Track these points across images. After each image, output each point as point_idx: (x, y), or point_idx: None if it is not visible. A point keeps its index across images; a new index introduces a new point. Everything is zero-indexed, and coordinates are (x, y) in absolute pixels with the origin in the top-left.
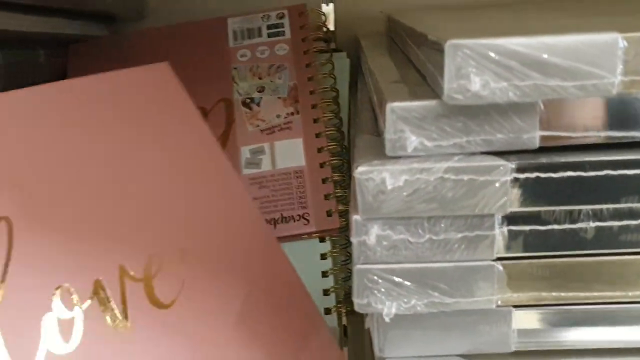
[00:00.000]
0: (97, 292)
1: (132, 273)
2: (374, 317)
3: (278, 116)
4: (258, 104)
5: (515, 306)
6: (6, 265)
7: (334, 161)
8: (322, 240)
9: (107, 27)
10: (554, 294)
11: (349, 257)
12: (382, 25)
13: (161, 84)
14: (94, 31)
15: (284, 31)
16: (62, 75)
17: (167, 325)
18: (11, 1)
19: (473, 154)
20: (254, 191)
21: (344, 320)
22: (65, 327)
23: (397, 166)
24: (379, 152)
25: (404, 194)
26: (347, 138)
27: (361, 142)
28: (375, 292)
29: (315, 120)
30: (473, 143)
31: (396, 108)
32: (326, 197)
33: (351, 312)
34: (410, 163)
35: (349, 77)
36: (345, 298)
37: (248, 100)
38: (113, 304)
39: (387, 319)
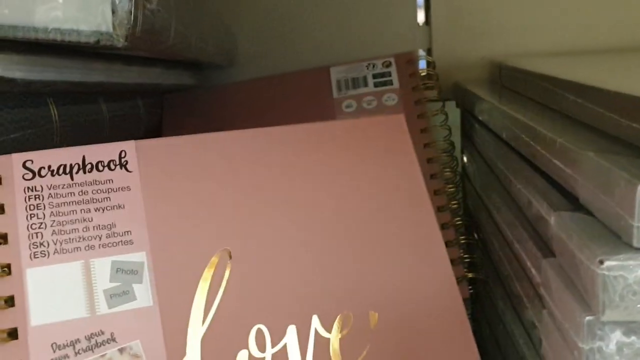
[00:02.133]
0: (291, 338)
1: (323, 326)
2: None
3: None
4: None
5: None
6: (217, 300)
7: (455, 223)
8: None
9: (197, 76)
10: None
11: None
12: (480, 72)
13: (393, 134)
14: (185, 80)
15: (391, 80)
16: (159, 125)
17: None
18: (120, 54)
19: None
20: None
21: None
22: None
23: None
24: (611, 240)
25: None
26: (463, 194)
27: (568, 221)
28: None
29: (431, 176)
30: None
31: None
32: (452, 262)
33: None
34: None
35: (460, 128)
36: None
37: None
38: (299, 354)
39: None
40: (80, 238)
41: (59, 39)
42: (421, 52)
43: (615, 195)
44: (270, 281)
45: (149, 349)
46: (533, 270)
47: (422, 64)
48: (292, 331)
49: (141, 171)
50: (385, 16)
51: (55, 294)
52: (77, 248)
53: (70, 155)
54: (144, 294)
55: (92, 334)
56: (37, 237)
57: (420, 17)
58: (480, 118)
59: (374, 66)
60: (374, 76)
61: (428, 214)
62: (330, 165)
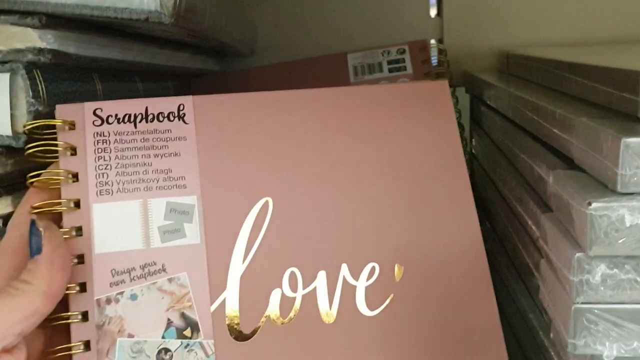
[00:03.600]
0: (320, 281)
1: (351, 274)
2: None
3: None
4: None
5: None
6: (257, 243)
7: None
8: None
9: (219, 62)
10: None
11: None
12: (489, 62)
13: (437, 99)
14: (210, 66)
15: (405, 66)
16: None
17: (365, 329)
18: (154, 36)
19: None
20: None
21: None
22: (286, 304)
23: (635, 202)
24: (598, 188)
25: None
26: (471, 173)
27: (563, 177)
28: (595, 333)
29: None
30: None
31: (632, 144)
32: None
33: None
34: None
35: (469, 113)
36: None
37: None
38: (328, 298)
39: None
40: (140, 180)
41: (113, 16)
42: (433, 42)
43: (603, 150)
44: (307, 229)
45: (194, 281)
46: (533, 227)
47: (435, 53)
48: (322, 276)
49: (197, 123)
50: (400, 8)
51: (116, 227)
52: (137, 188)
53: (135, 106)
54: (193, 233)
55: (145, 264)
56: (103, 177)
57: (433, 9)
58: (488, 102)
59: (388, 53)
60: (389, 62)
61: (463, 178)
62: (376, 125)
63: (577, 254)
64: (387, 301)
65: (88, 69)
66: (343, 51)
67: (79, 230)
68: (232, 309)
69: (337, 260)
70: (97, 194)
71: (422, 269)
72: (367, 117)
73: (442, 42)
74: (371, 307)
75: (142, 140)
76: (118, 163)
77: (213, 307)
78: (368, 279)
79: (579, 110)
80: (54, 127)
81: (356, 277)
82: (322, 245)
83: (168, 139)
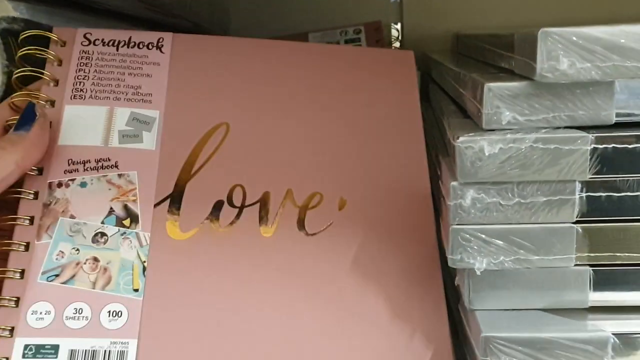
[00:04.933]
0: (264, 200)
1: (295, 198)
2: (465, 273)
3: None
4: None
5: (591, 265)
6: (208, 158)
7: None
8: None
9: None
10: (627, 254)
11: None
12: (446, 44)
13: (402, 66)
14: None
15: (360, 45)
16: None
17: (302, 247)
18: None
19: (558, 127)
20: None
21: None
22: (227, 214)
23: (494, 136)
24: (473, 128)
25: (498, 160)
26: None
27: (453, 123)
28: (468, 249)
29: None
30: (558, 118)
31: (493, 87)
32: None
33: None
34: (504, 134)
35: (419, 89)
36: None
37: None
38: (269, 215)
39: (478, 273)
40: (111, 91)
41: None
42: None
43: (477, 95)
44: (258, 153)
45: (143, 179)
46: (439, 172)
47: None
48: (265, 195)
49: (172, 54)
50: None
51: (81, 126)
52: (107, 97)
53: (120, 34)
54: (150, 140)
55: (101, 159)
56: (79, 85)
57: None
58: (433, 78)
59: (346, 33)
60: (346, 41)
61: (418, 136)
62: (342, 80)
63: (452, 182)
64: (326, 226)
65: None
66: (305, 31)
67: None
68: (174, 209)
69: (283, 183)
70: (71, 97)
71: (366, 204)
72: (335, 71)
73: (403, 26)
74: (309, 230)
75: (120, 61)
76: (95, 76)
77: (156, 206)
78: (310, 204)
79: (483, 73)
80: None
81: (299, 201)
82: (271, 169)
83: (143, 62)
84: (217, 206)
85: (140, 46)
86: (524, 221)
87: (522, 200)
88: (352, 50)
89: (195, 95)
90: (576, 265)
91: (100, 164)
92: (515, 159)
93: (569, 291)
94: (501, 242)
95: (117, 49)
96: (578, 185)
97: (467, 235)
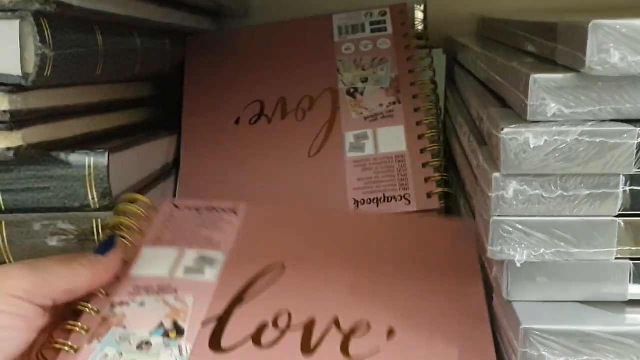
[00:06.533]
0: (308, 325)
1: (341, 325)
2: (505, 264)
3: (380, 105)
4: (362, 94)
5: (632, 259)
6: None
7: (434, 148)
8: None
9: (215, 22)
10: None
11: None
12: (470, 27)
13: (460, 236)
14: (205, 25)
15: (386, 27)
16: (181, 61)
17: None
18: None
19: (604, 120)
20: (358, 173)
21: None
22: (270, 335)
23: (539, 128)
24: (516, 119)
25: (543, 153)
26: (443, 127)
27: (493, 113)
28: (509, 241)
29: (415, 110)
30: (604, 111)
31: (539, 79)
32: (426, 180)
33: None
34: (550, 126)
35: (445, 72)
36: None
37: (352, 90)
38: (311, 338)
39: (518, 265)
40: (186, 240)
41: None
42: (417, 7)
43: (520, 87)
44: (309, 290)
45: (197, 304)
46: (473, 160)
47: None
48: (311, 320)
49: (245, 217)
50: None
51: (153, 263)
52: (181, 244)
53: (204, 204)
54: (211, 274)
55: (163, 285)
56: (159, 233)
57: None
58: (460, 62)
59: (371, 14)
60: (371, 23)
61: (481, 310)
62: (400, 254)
63: (495, 174)
64: (373, 356)
65: (90, 21)
66: (329, 13)
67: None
68: (220, 327)
69: (332, 310)
70: (150, 242)
71: (415, 341)
72: (396, 242)
73: (427, 8)
74: (354, 357)
75: (200, 220)
76: (175, 229)
77: (204, 324)
78: (358, 333)
79: (517, 59)
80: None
81: (346, 328)
82: (318, 294)
83: (219, 220)
84: (261, 327)
85: (219, 210)
86: (566, 214)
87: (565, 193)
88: (413, 219)
89: (260, 242)
90: (617, 258)
91: (162, 289)
92: (560, 151)
93: (608, 284)
94: (542, 235)
95: (199, 212)
96: (622, 179)
97: (508, 227)
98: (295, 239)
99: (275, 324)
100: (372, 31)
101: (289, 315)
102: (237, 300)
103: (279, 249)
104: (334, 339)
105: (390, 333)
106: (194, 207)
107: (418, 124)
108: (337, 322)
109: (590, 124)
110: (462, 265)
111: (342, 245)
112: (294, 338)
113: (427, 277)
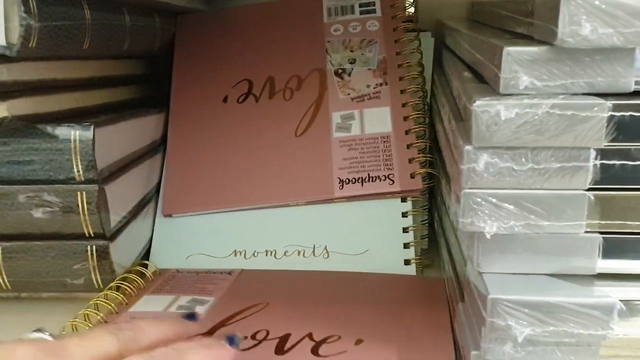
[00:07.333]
0: (283, 337)
1: (314, 337)
2: (475, 236)
3: (368, 86)
4: (349, 74)
5: (601, 232)
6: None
7: (418, 129)
8: (403, 200)
9: (205, 2)
10: (638, 223)
11: (427, 217)
12: (461, 11)
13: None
14: (197, 5)
15: (375, 9)
16: (172, 40)
17: None
18: None
19: (575, 94)
20: (344, 152)
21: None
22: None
23: (510, 101)
24: (490, 92)
25: (514, 125)
26: (429, 109)
27: (469, 88)
28: (479, 213)
29: (402, 91)
30: (576, 85)
31: (512, 52)
32: (410, 161)
33: (428, 265)
34: (521, 99)
35: (432, 55)
36: (422, 252)
37: (340, 71)
38: (288, 345)
39: (487, 236)
40: (183, 290)
41: None
42: None
43: (494, 60)
44: (289, 316)
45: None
46: (451, 137)
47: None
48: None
49: (238, 276)
50: None
51: (151, 304)
52: (178, 292)
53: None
54: (201, 311)
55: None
56: (158, 291)
57: None
58: (448, 45)
59: None
60: (360, 5)
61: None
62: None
63: (466, 147)
64: (340, 355)
65: None
66: None
67: None
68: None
69: (307, 329)
70: (151, 291)
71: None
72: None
73: None
74: (322, 356)
75: (197, 279)
76: (174, 285)
77: None
78: (329, 340)
79: (497, 38)
80: None
81: (318, 338)
82: (296, 319)
83: (214, 279)
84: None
85: (216, 272)
86: (536, 187)
87: (536, 166)
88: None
89: (250, 291)
90: (586, 232)
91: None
92: (531, 124)
93: (577, 258)
94: (512, 207)
95: (197, 274)
96: (593, 153)
97: (479, 199)
98: (282, 289)
99: (253, 337)
100: (362, 13)
101: (267, 332)
102: (221, 324)
103: (266, 294)
104: (307, 345)
105: (359, 341)
106: (194, 271)
107: (404, 105)
108: (310, 336)
109: (561, 97)
110: (433, 320)
111: (323, 293)
112: (269, 345)
113: (397, 325)
